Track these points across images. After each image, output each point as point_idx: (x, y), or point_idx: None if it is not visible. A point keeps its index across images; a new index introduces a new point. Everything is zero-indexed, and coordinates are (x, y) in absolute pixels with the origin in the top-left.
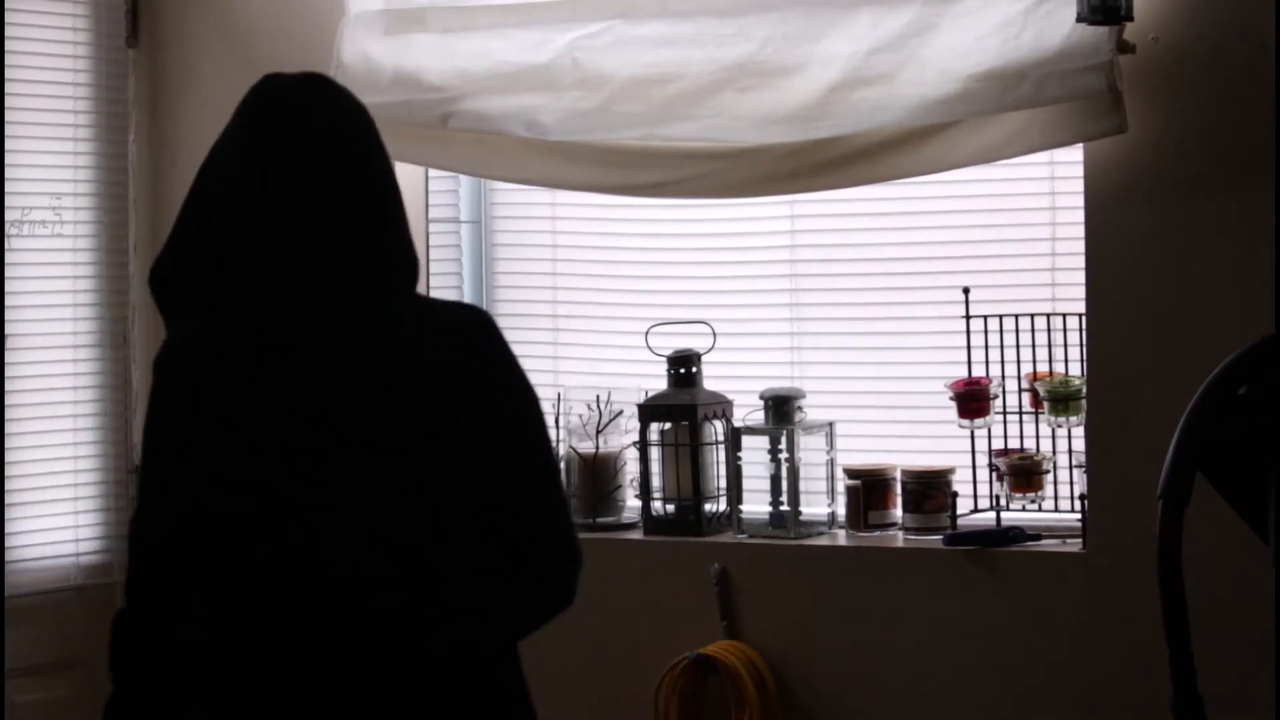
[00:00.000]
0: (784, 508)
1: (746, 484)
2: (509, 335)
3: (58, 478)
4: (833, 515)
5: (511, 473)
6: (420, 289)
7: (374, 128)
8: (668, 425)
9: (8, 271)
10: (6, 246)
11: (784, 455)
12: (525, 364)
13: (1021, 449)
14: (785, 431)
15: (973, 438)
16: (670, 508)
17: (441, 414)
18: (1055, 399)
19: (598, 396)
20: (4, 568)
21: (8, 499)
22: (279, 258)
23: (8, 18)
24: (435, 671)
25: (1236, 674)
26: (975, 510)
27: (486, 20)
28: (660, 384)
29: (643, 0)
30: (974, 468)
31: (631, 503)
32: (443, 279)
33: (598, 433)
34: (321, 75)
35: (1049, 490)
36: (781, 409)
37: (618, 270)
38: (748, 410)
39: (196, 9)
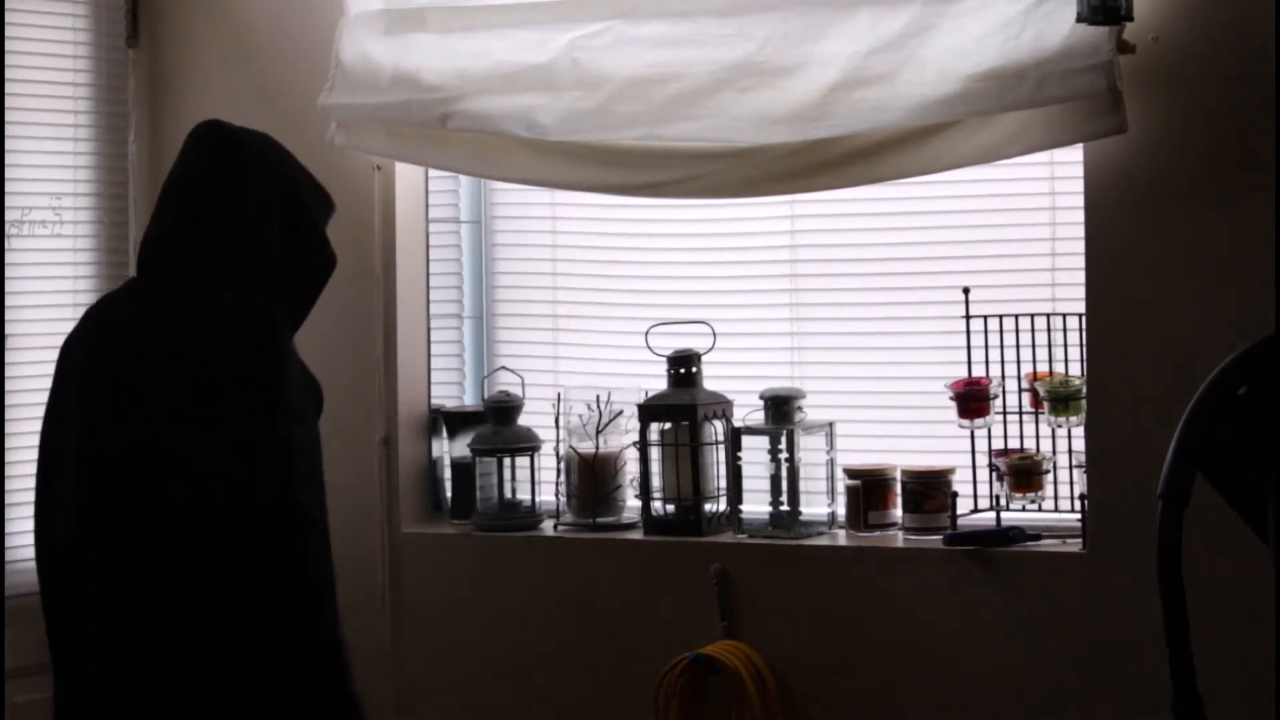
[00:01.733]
0: (784, 508)
1: (746, 484)
2: (509, 334)
3: None
4: (833, 515)
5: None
6: (419, 288)
7: (241, 157)
8: (668, 425)
9: (8, 271)
10: (6, 246)
11: (784, 455)
12: (526, 364)
13: (1021, 449)
14: (785, 431)
15: (973, 438)
16: (670, 508)
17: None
18: (1055, 399)
19: (598, 396)
20: (4, 568)
21: (8, 499)
22: (144, 252)
23: (8, 18)
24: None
25: (1236, 674)
26: (975, 510)
27: (486, 20)
28: (660, 384)
29: (643, 0)
30: (974, 468)
31: (631, 503)
32: (443, 279)
33: (598, 433)
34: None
35: (1049, 490)
36: (781, 409)
37: (618, 270)
38: (748, 410)
39: (196, 9)
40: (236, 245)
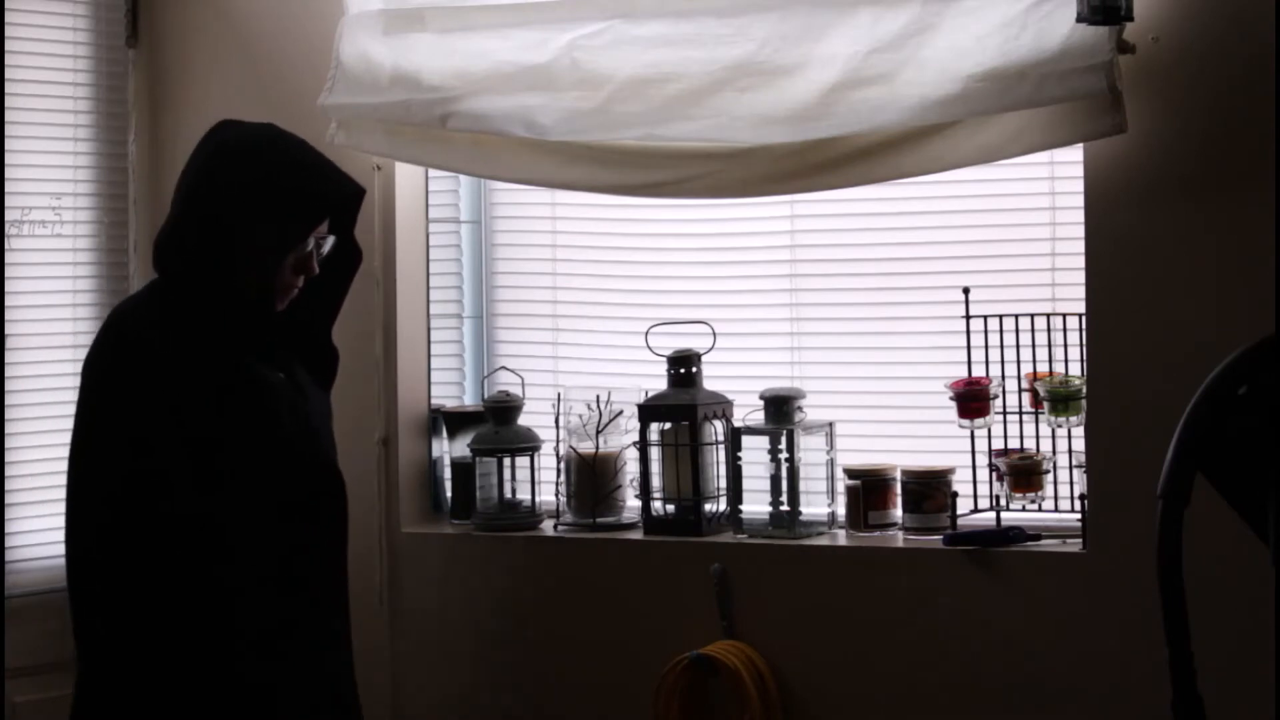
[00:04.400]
0: (784, 508)
1: (746, 484)
2: (509, 334)
3: (58, 478)
4: (833, 515)
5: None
6: (419, 288)
7: (213, 161)
8: (668, 425)
9: (8, 271)
10: (6, 246)
11: (784, 455)
12: (526, 364)
13: (1021, 449)
14: (785, 431)
15: (973, 438)
16: (670, 508)
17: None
18: (1055, 399)
19: (598, 396)
20: (4, 568)
21: (8, 499)
22: None
23: (8, 18)
24: None
25: (1236, 674)
26: (975, 510)
27: (486, 20)
28: (660, 384)
29: (642, 0)
30: (974, 468)
31: (631, 503)
32: (443, 279)
33: (598, 433)
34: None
35: (1049, 490)
36: (781, 409)
37: (618, 270)
38: (748, 410)
39: (196, 9)
40: (159, 240)
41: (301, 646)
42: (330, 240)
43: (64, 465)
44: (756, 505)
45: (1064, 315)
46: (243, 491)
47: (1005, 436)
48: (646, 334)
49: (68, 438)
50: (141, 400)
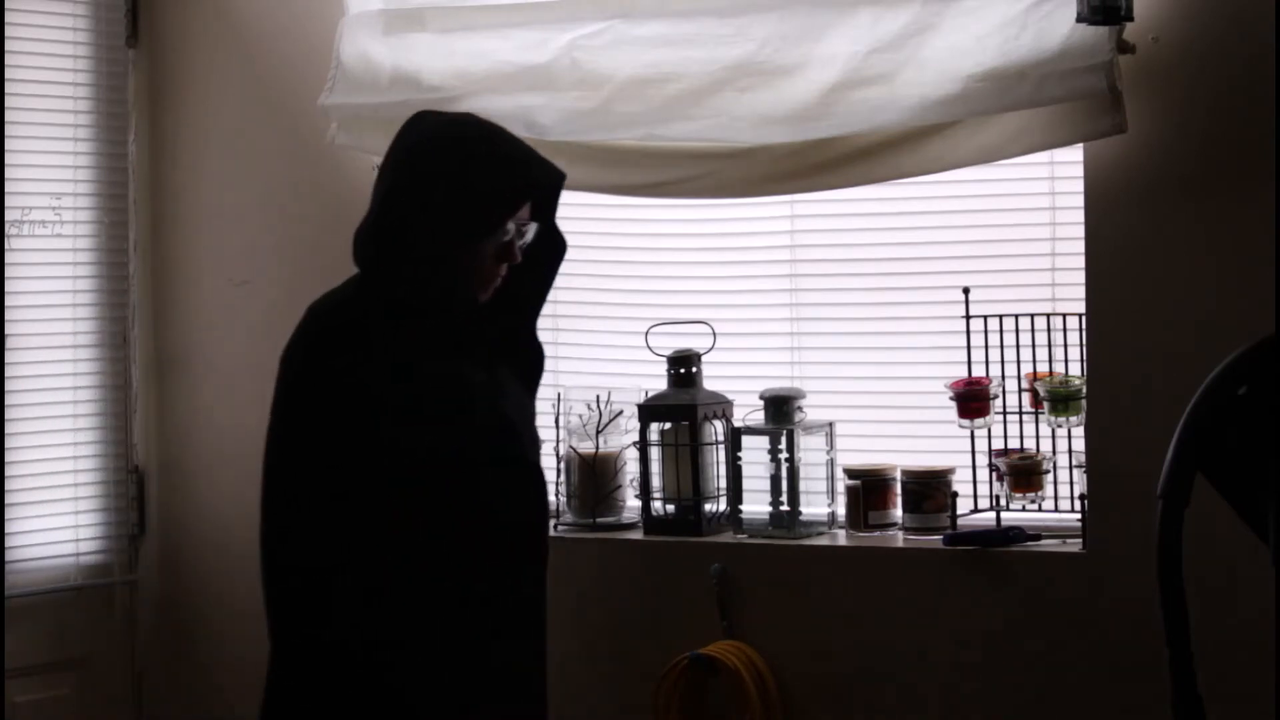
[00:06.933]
0: (784, 508)
1: (746, 484)
2: None
3: (58, 478)
4: (833, 515)
5: None
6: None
7: (410, 153)
8: (668, 425)
9: (8, 271)
10: (6, 246)
11: (784, 455)
12: None
13: (1021, 449)
14: (785, 431)
15: (973, 438)
16: (670, 508)
17: None
18: (1055, 399)
19: (598, 396)
20: (4, 568)
21: (8, 499)
22: None
23: (8, 18)
24: None
25: (1236, 674)
26: (975, 510)
27: (485, 20)
28: (660, 384)
29: (642, 0)
30: (974, 468)
31: (631, 503)
32: None
33: (598, 433)
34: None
35: (1049, 490)
36: (781, 409)
37: (618, 270)
38: (748, 410)
39: (196, 9)
40: (358, 233)
41: (498, 642)
42: (533, 228)
43: (66, 465)
44: (756, 505)
45: (1064, 315)
46: (438, 493)
47: (1005, 436)
48: (646, 334)
49: (68, 437)
50: (338, 403)
